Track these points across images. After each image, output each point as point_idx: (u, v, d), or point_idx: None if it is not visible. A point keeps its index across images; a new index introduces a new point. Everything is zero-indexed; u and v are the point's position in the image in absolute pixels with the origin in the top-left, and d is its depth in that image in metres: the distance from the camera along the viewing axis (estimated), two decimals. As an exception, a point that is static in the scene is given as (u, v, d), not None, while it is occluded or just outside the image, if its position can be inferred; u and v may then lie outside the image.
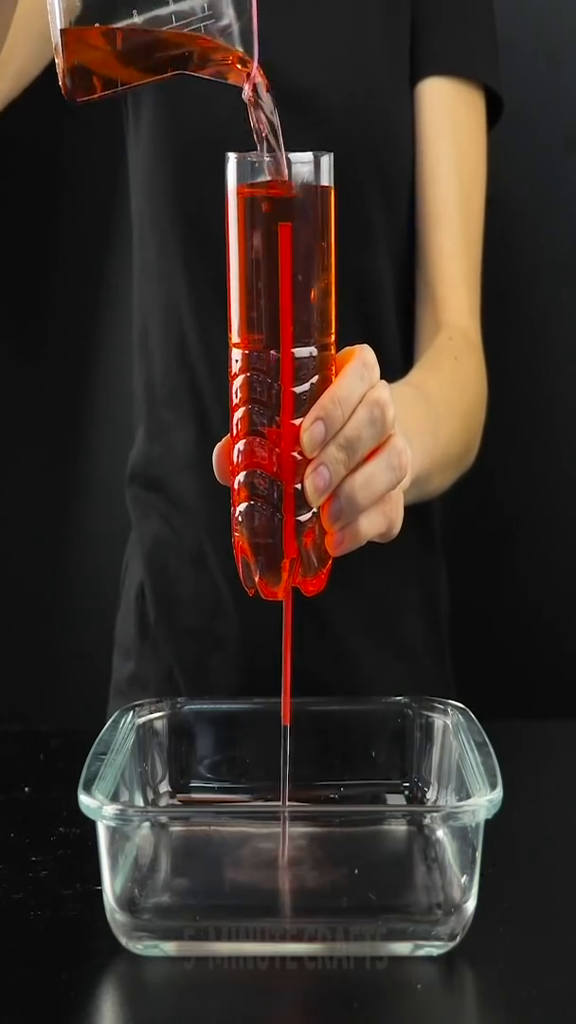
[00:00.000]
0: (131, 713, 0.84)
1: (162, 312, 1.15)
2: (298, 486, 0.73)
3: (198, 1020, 0.67)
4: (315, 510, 0.74)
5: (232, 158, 0.73)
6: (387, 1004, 0.68)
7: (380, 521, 0.75)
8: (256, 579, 0.75)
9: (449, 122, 1.13)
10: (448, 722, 0.83)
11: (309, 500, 0.73)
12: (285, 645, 0.77)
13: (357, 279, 1.10)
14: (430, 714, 0.85)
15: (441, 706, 0.85)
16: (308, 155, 0.72)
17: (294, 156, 0.72)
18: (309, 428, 0.72)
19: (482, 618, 1.46)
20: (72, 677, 1.53)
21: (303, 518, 0.74)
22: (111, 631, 1.25)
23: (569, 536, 1.48)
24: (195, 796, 0.86)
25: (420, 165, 1.13)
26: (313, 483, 0.72)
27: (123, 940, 0.71)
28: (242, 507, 0.75)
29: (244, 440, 0.74)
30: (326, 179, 0.73)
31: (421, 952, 0.71)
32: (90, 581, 1.55)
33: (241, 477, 0.74)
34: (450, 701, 0.85)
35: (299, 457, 0.73)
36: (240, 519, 0.75)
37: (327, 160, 0.73)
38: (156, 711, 0.86)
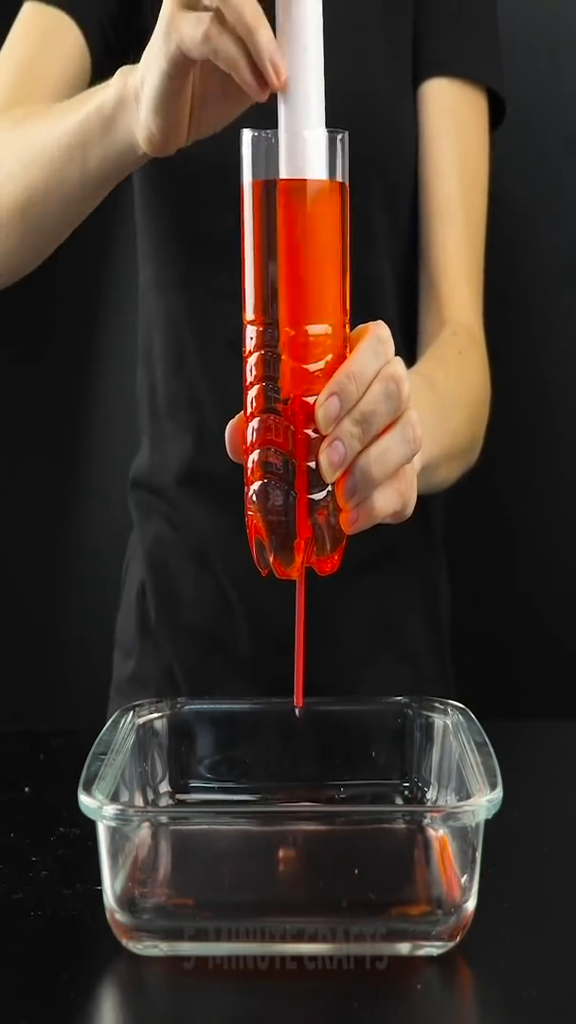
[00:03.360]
0: (131, 713, 0.84)
1: (163, 324, 1.15)
2: (312, 464, 0.73)
3: (198, 1020, 0.67)
4: (329, 488, 0.73)
5: (247, 135, 0.73)
6: (387, 1004, 0.68)
7: (394, 499, 0.75)
8: (270, 559, 0.74)
9: (452, 122, 1.13)
10: (448, 722, 0.83)
11: (324, 475, 0.72)
12: (298, 626, 0.76)
13: (357, 278, 1.10)
14: (430, 714, 0.85)
15: (441, 706, 0.85)
16: (322, 132, 0.72)
17: (308, 134, 0.72)
18: (324, 403, 0.71)
19: (482, 618, 1.46)
20: (72, 677, 1.53)
21: (317, 496, 0.73)
22: (111, 631, 1.25)
23: (569, 536, 1.48)
24: (195, 796, 0.86)
25: (423, 164, 1.13)
26: (328, 458, 0.72)
27: (123, 940, 0.71)
28: (256, 486, 0.74)
29: (259, 418, 0.73)
30: (340, 157, 0.73)
31: (421, 952, 0.70)
32: (90, 582, 1.55)
33: (255, 455, 0.74)
34: (450, 701, 0.85)
35: (313, 435, 0.73)
36: (254, 498, 0.74)
37: (341, 138, 0.73)
38: (156, 711, 0.86)
